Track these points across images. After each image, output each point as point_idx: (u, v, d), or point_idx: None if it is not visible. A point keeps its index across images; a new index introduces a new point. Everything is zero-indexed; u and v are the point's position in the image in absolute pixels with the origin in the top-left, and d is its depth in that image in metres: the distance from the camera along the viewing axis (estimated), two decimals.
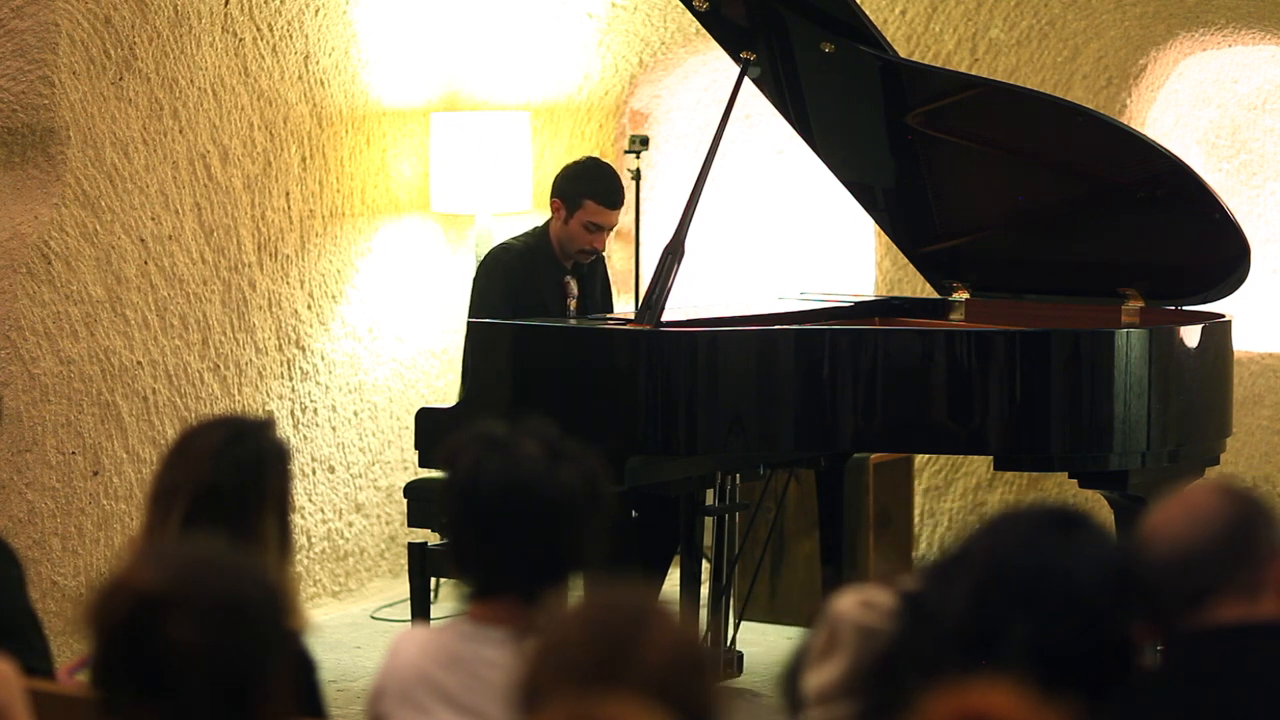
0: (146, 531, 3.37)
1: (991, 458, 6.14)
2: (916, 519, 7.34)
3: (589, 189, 6.30)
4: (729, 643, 6.29)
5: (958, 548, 2.63)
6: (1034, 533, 2.59)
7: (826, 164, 6.39)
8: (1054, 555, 2.56)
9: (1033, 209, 6.29)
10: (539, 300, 6.33)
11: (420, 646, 3.15)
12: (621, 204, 6.36)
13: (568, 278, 6.42)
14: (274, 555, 3.34)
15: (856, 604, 2.72)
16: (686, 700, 2.26)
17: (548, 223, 6.43)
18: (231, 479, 3.33)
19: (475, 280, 6.47)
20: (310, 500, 7.24)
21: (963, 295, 6.45)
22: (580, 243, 6.33)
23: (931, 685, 2.11)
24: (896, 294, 7.29)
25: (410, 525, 6.53)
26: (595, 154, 7.36)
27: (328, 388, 7.27)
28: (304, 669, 3.19)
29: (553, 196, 6.38)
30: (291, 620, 2.43)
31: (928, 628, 2.53)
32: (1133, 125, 6.99)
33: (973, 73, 7.20)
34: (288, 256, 7.10)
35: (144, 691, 2.30)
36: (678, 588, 6.24)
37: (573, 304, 6.42)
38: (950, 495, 7.60)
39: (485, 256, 6.54)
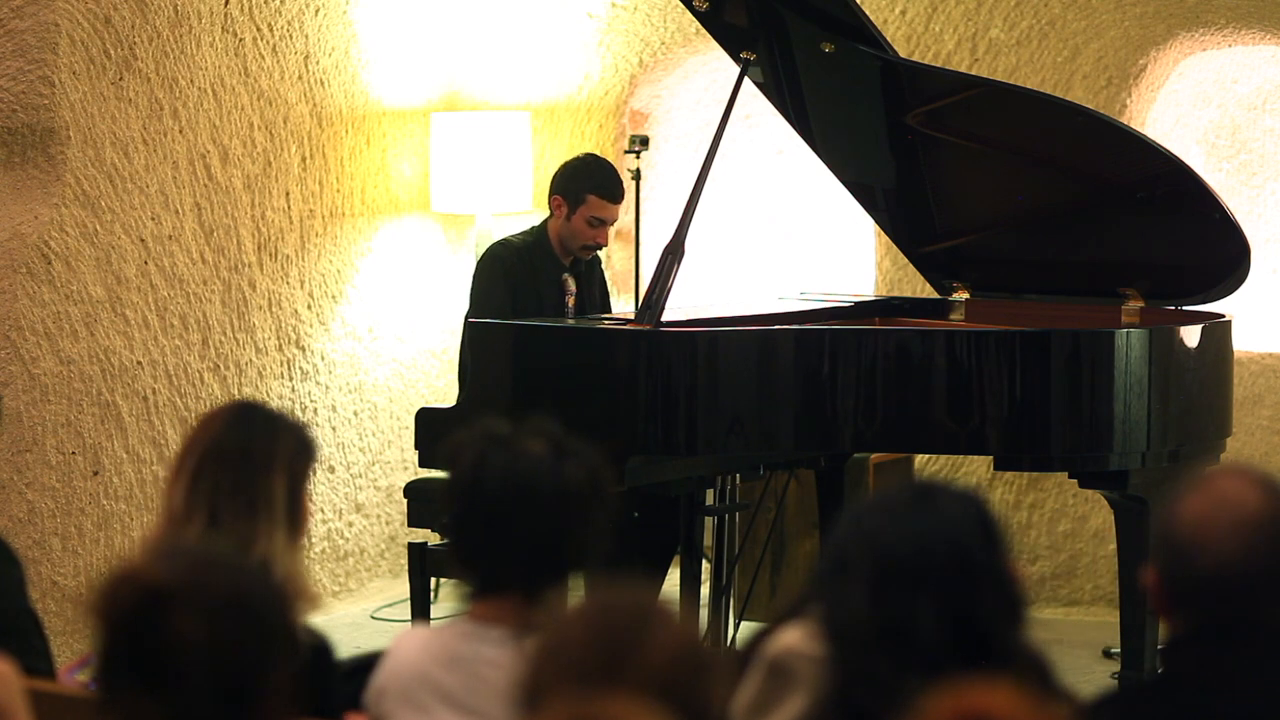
0: (166, 492, 3.41)
1: (991, 458, 6.14)
2: None
3: (591, 184, 6.31)
4: (729, 643, 6.29)
5: (830, 554, 2.65)
6: (901, 514, 2.61)
7: (826, 164, 6.39)
8: (930, 527, 2.59)
9: (1033, 209, 6.29)
10: (537, 297, 6.33)
11: (421, 646, 3.15)
12: (623, 197, 6.37)
13: (566, 275, 6.42)
14: (281, 526, 3.35)
15: (803, 638, 2.71)
16: (688, 700, 2.26)
17: (546, 221, 6.44)
18: (243, 434, 3.37)
19: (474, 277, 6.47)
20: (310, 500, 7.23)
21: (963, 295, 6.45)
22: (584, 238, 6.34)
23: (911, 694, 2.11)
24: (896, 294, 7.29)
25: (410, 525, 6.53)
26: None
27: (328, 388, 7.27)
28: (320, 660, 3.19)
29: (552, 194, 6.38)
30: (298, 606, 2.43)
31: (852, 644, 2.56)
32: (1133, 125, 6.99)
33: (973, 73, 7.20)
34: (288, 256, 7.10)
35: (146, 685, 2.29)
36: (678, 588, 6.24)
37: (571, 301, 6.42)
38: None
39: (484, 253, 6.54)
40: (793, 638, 2.73)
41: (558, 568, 3.09)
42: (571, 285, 6.43)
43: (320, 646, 3.15)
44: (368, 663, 3.31)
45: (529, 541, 3.05)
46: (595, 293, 6.56)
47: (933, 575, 2.57)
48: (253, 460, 3.35)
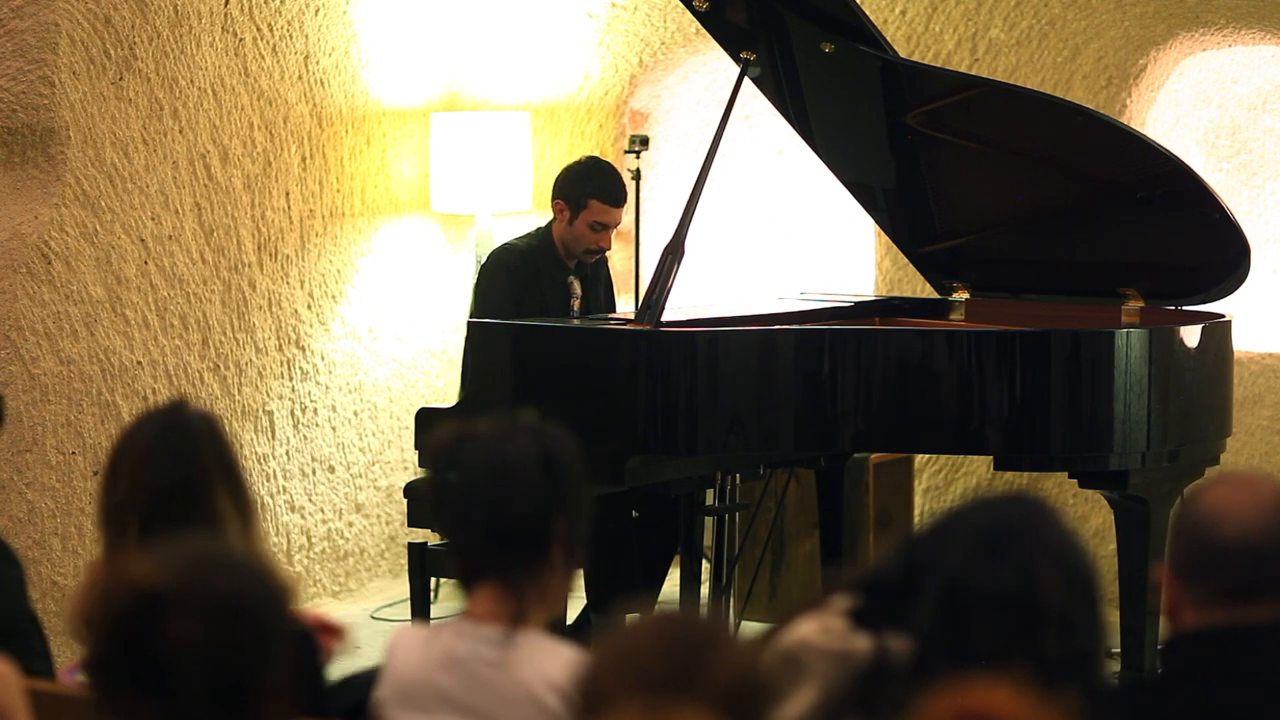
0: (107, 551, 3.33)
1: (991, 458, 6.13)
2: (916, 519, 7.34)
3: (593, 189, 6.31)
4: None
5: (902, 557, 2.61)
6: (978, 554, 2.56)
7: (826, 164, 6.39)
8: (1006, 576, 2.54)
9: (1033, 209, 6.29)
10: (541, 301, 6.33)
11: (419, 647, 3.15)
12: (625, 201, 6.38)
13: (571, 278, 6.42)
14: (235, 528, 3.31)
15: (818, 631, 2.72)
16: None
17: (550, 223, 6.44)
18: (173, 474, 3.30)
19: (478, 281, 6.48)
20: (310, 500, 7.23)
21: (963, 295, 6.45)
22: (587, 242, 6.34)
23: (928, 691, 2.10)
24: (896, 294, 7.29)
25: (410, 525, 6.53)
26: (595, 154, 7.36)
27: (328, 388, 7.27)
28: (305, 657, 3.18)
29: (555, 198, 6.38)
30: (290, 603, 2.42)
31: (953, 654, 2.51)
32: (1133, 125, 6.99)
33: (973, 73, 7.21)
34: (288, 256, 7.10)
35: (142, 689, 2.29)
36: (678, 588, 6.24)
37: (577, 304, 6.42)
38: (950, 495, 7.60)
39: (488, 257, 6.55)
40: (806, 630, 2.73)
41: (522, 549, 3.08)
42: (577, 288, 6.43)
43: (303, 636, 3.14)
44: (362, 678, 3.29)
45: (485, 523, 3.06)
46: (600, 293, 6.55)
47: (997, 621, 2.52)
48: (192, 487, 3.29)
